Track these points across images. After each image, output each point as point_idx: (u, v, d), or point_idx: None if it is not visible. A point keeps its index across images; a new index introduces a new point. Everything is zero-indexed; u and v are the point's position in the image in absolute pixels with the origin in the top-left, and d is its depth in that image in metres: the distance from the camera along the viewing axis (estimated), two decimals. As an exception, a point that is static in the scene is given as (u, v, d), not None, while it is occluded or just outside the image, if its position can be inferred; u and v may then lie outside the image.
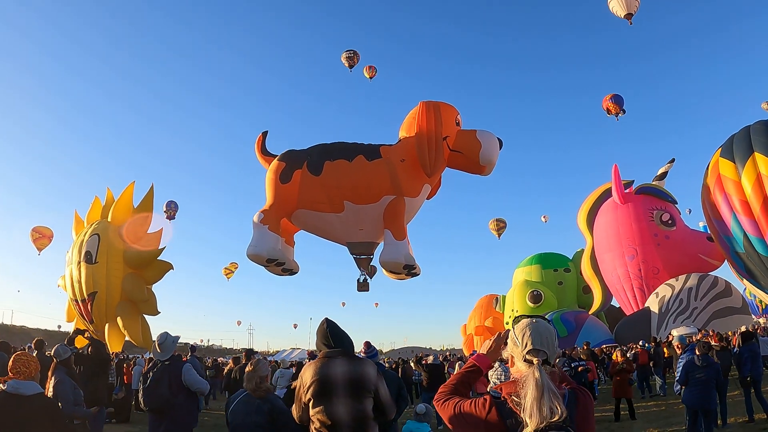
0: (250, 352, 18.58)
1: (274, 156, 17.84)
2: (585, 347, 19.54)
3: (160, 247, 28.14)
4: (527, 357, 2.47)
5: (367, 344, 7.78)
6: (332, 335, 4.17)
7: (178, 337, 6.78)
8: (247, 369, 4.81)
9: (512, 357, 2.60)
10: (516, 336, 2.56)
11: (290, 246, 18.22)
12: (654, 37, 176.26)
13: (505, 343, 2.73)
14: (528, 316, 2.63)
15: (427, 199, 17.94)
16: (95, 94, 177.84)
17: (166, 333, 6.70)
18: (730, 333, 19.92)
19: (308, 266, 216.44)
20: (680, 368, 9.85)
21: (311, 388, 3.97)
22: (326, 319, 4.31)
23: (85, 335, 9.94)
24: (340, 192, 16.40)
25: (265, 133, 18.77)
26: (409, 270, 16.32)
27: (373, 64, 42.74)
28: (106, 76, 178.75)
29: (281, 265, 16.74)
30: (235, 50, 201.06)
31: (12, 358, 4.85)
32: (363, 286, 17.80)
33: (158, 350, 6.60)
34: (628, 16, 32.62)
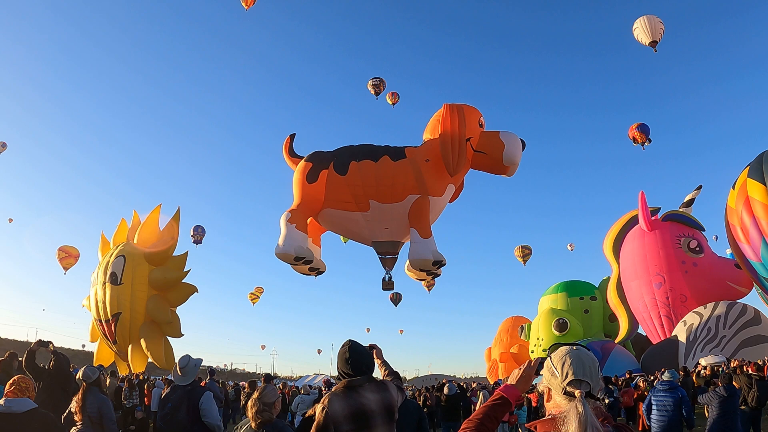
0: (268, 377, 18.48)
1: (301, 157, 18.19)
2: (627, 375, 19.35)
3: (184, 270, 28.45)
4: (568, 389, 2.18)
5: None
6: (353, 364, 3.90)
7: (200, 360, 6.39)
8: (253, 396, 4.49)
9: (549, 390, 2.30)
10: (554, 365, 2.26)
11: (317, 246, 18.43)
12: (682, 61, 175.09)
13: (537, 372, 2.47)
14: (567, 344, 2.36)
15: (450, 201, 18.10)
16: (121, 125, 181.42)
17: (188, 356, 6.32)
18: (759, 362, 19.39)
19: (334, 291, 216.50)
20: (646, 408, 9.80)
21: (348, 421, 3.69)
22: (349, 343, 4.03)
23: (49, 348, 9.52)
24: (366, 191, 16.71)
25: (292, 136, 19.16)
26: (437, 266, 16.49)
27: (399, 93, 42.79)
28: (133, 110, 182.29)
29: (309, 263, 16.97)
30: (253, 83, 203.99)
31: (11, 380, 4.79)
32: (388, 285, 18.03)
33: (179, 374, 6.20)
34: (653, 43, 32.52)
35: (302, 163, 17.88)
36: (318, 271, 18.06)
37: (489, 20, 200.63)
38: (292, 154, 18.79)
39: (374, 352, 4.31)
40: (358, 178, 16.84)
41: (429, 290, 61.22)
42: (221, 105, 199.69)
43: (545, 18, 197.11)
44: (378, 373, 4.31)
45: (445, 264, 16.77)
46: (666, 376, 10.00)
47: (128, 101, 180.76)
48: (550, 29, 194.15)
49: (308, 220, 17.48)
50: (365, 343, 4.28)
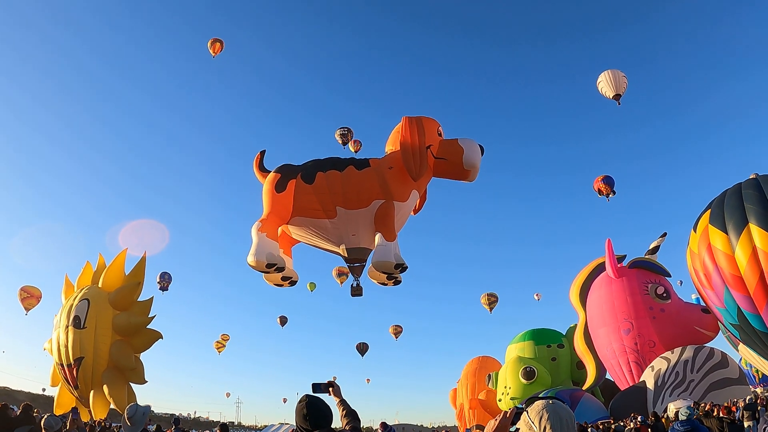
0: (224, 427, 18.11)
1: (270, 171, 18.85)
2: (611, 421, 19.33)
3: (149, 316, 27.96)
4: None
5: (383, 425, 7.74)
6: (311, 420, 3.78)
7: (149, 408, 6.30)
8: None
9: None
10: (531, 420, 2.29)
11: (288, 256, 18.80)
12: (646, 108, 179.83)
13: (513, 423, 2.47)
14: (543, 398, 2.39)
15: (414, 213, 18.70)
16: (89, 175, 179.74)
17: (135, 405, 6.20)
18: (727, 404, 19.54)
19: (300, 340, 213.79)
20: None
21: None
22: (306, 398, 3.92)
23: None
24: (333, 198, 17.45)
25: (262, 152, 19.93)
26: (399, 269, 17.02)
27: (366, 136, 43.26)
28: (98, 160, 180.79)
29: (281, 271, 17.34)
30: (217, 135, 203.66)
31: None
32: (356, 291, 18.50)
33: (128, 424, 6.04)
34: (617, 96, 33.47)
35: (271, 174, 18.57)
36: (291, 281, 18.48)
37: (456, 87, 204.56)
38: (262, 169, 19.46)
39: (331, 389, 4.27)
40: (325, 187, 17.49)
41: (396, 338, 61.10)
42: (185, 157, 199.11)
43: (512, 81, 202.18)
44: (336, 411, 4.18)
45: (406, 268, 17.36)
46: (683, 414, 10.09)
47: (90, 148, 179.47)
48: (517, 94, 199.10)
49: (279, 231, 17.83)
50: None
